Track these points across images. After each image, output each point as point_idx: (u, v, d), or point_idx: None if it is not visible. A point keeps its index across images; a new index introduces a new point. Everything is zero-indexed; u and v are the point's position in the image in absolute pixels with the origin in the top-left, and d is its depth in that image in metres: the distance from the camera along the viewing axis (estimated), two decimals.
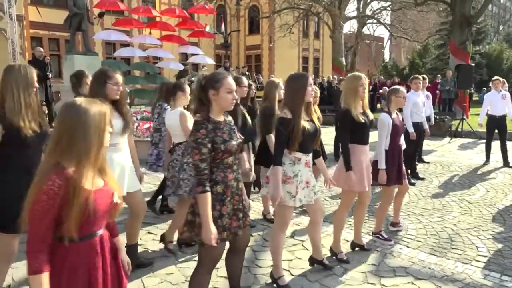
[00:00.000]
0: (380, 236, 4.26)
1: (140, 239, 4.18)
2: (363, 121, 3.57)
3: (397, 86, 4.32)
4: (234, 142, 2.48)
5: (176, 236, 4.05)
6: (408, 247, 4.11)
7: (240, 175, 2.66)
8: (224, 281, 3.37)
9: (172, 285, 3.32)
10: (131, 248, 3.51)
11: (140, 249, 3.95)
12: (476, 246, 4.14)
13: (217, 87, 2.45)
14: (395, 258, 3.85)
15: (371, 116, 3.74)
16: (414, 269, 3.64)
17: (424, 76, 8.12)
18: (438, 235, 4.44)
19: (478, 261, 3.81)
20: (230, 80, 2.50)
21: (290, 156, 3.09)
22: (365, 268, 3.64)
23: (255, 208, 5.07)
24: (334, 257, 3.81)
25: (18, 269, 3.49)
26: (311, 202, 3.24)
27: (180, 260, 3.76)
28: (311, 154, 3.23)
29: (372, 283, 3.39)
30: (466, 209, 5.35)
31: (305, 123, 3.03)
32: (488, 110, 8.12)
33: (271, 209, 4.68)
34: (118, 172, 3.13)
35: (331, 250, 3.89)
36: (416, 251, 4.03)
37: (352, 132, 3.62)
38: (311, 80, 3.09)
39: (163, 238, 4.03)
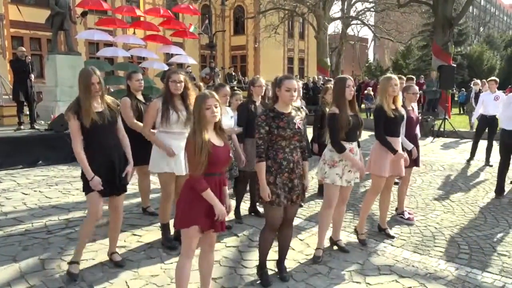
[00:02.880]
0: (403, 216, 4.89)
1: (124, 241, 4.15)
2: (393, 116, 4.05)
3: (408, 84, 4.96)
4: (288, 130, 3.05)
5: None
6: (392, 245, 4.16)
7: (295, 157, 3.15)
8: (214, 282, 3.35)
9: (158, 287, 3.28)
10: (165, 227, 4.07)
11: (124, 251, 3.92)
12: (458, 244, 4.21)
13: (279, 86, 3.07)
14: (379, 257, 3.89)
15: (403, 112, 4.22)
16: (398, 267, 3.68)
17: (412, 76, 8.24)
18: (422, 233, 4.50)
19: (460, 258, 3.87)
20: (289, 81, 3.06)
21: None
22: (350, 267, 3.66)
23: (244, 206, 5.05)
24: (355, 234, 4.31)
25: None
26: (350, 184, 3.74)
27: (165, 261, 3.73)
28: (355, 143, 3.72)
29: (357, 282, 3.41)
30: (448, 207, 5.43)
31: (349, 117, 3.55)
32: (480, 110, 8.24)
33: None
34: (182, 156, 3.68)
35: (355, 230, 4.35)
36: (400, 249, 4.08)
37: (385, 126, 4.08)
38: (349, 82, 3.61)
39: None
